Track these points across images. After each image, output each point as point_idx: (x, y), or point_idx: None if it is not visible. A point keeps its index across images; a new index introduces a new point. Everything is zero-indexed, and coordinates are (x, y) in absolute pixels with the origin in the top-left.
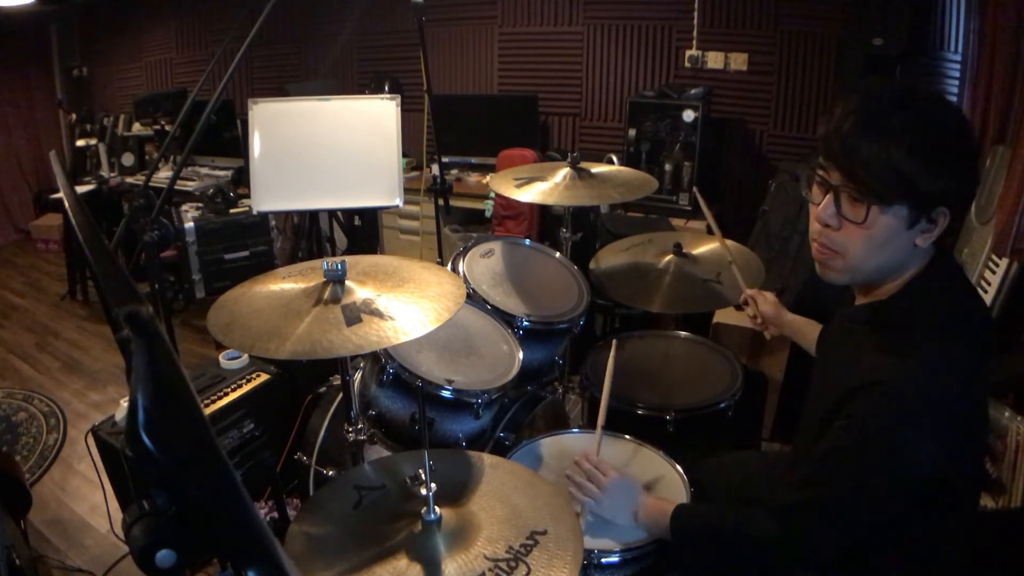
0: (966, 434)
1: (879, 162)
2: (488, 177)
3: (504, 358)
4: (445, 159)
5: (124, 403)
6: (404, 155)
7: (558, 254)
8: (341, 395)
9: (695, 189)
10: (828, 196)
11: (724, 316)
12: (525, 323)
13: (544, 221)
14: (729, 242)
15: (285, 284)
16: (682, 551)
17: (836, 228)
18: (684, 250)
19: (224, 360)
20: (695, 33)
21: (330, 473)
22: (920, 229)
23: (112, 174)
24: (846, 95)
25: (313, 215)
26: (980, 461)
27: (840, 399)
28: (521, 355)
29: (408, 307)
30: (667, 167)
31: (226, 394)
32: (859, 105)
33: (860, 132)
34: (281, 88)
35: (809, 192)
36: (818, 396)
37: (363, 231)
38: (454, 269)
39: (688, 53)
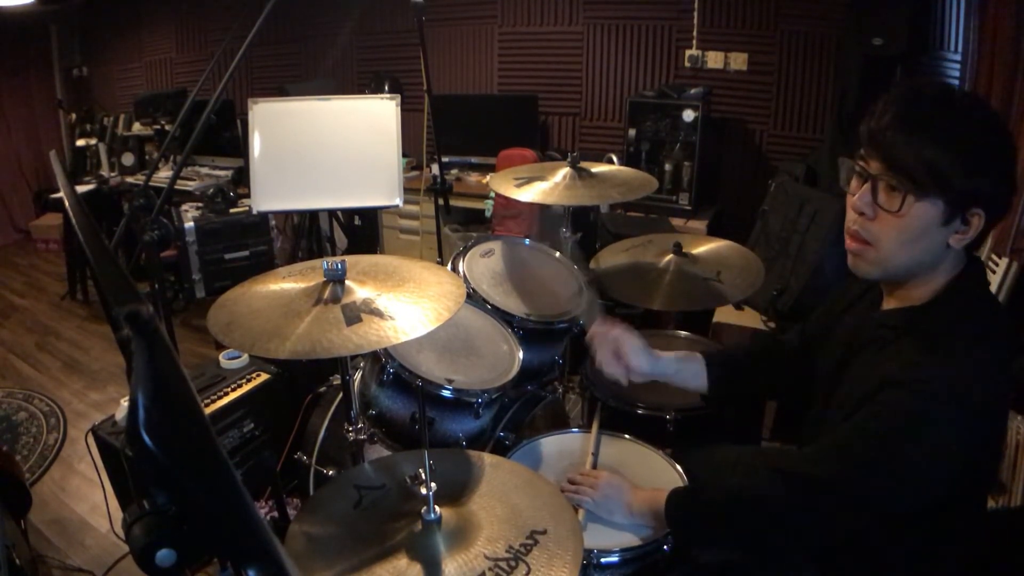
0: (989, 440)
1: (915, 153)
2: (488, 177)
3: (504, 358)
4: (445, 159)
5: (124, 403)
6: (404, 155)
7: (558, 254)
8: (341, 395)
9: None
10: (865, 185)
11: (724, 316)
12: (525, 323)
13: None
14: (723, 243)
15: (285, 284)
16: (680, 532)
17: (871, 217)
18: (684, 250)
19: (224, 360)
20: (695, 33)
21: (330, 473)
22: (954, 229)
23: (112, 174)
24: (889, 90)
25: (313, 215)
26: (996, 466)
27: (873, 388)
28: (521, 355)
29: (408, 307)
30: (667, 167)
31: (226, 394)
32: (900, 98)
33: (899, 124)
34: (281, 88)
35: (848, 184)
36: (840, 395)
37: (363, 231)
38: (454, 269)
39: (688, 53)
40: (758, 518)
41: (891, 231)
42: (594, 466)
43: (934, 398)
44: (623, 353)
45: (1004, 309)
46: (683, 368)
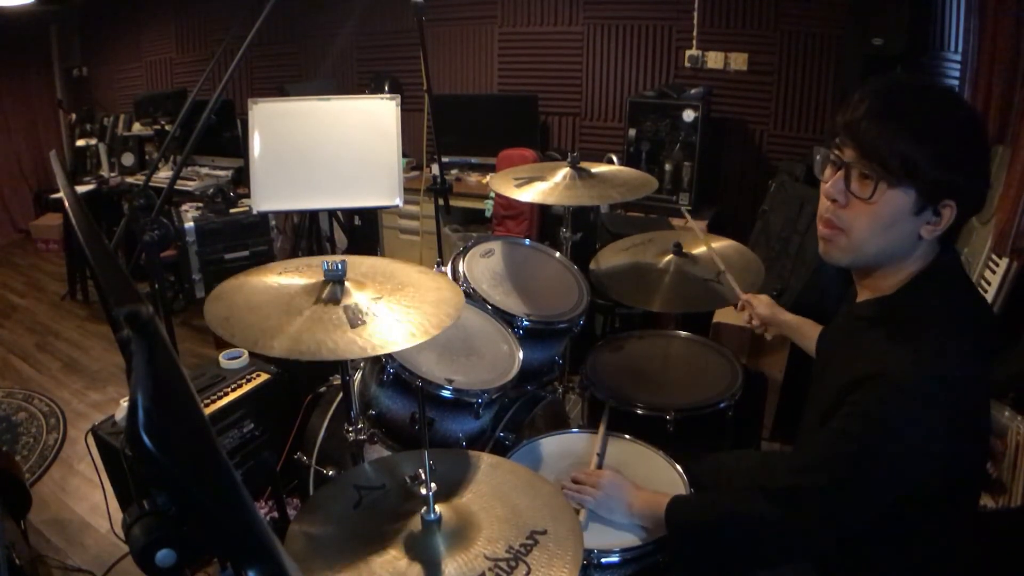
0: (968, 429)
1: (889, 142)
2: (488, 177)
3: (504, 358)
4: (445, 159)
5: (124, 403)
6: (404, 155)
7: (558, 254)
8: (341, 395)
9: (685, 211)
10: (839, 173)
11: (724, 316)
12: (525, 323)
13: (544, 221)
14: (725, 242)
15: (282, 279)
16: (678, 541)
17: (843, 205)
18: (684, 250)
19: (224, 360)
20: (695, 33)
21: (330, 473)
22: (925, 219)
23: (112, 174)
24: (866, 83)
25: (313, 215)
26: (982, 461)
27: (844, 388)
28: (521, 355)
29: (409, 312)
30: (667, 167)
31: (226, 394)
32: (876, 90)
33: (875, 114)
34: (281, 88)
35: (821, 172)
36: (820, 390)
37: (363, 231)
38: (454, 269)
39: (688, 53)
40: (755, 537)
41: (863, 218)
42: (599, 466)
43: (903, 391)
44: (753, 303)
45: (979, 295)
46: (803, 324)
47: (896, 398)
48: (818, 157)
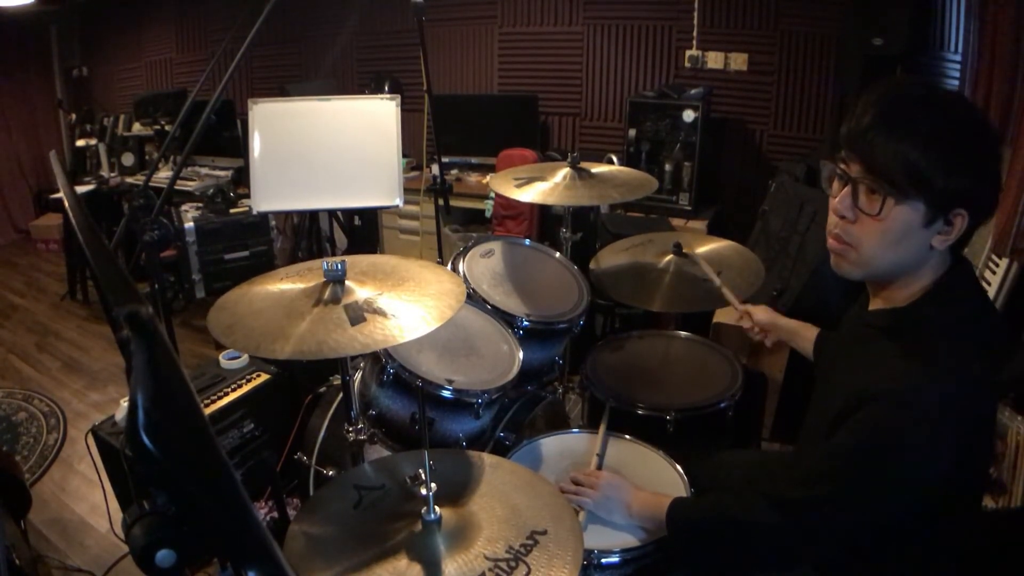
0: (976, 444)
1: (895, 155)
2: (488, 177)
3: (504, 358)
4: (445, 159)
5: (124, 403)
6: (404, 155)
7: (558, 254)
8: (341, 395)
9: (688, 251)
10: (846, 188)
11: (724, 316)
12: (525, 323)
13: (544, 221)
14: (724, 243)
15: (284, 285)
16: (678, 543)
17: (852, 220)
18: (684, 250)
19: (224, 360)
20: (695, 33)
21: (330, 473)
22: (937, 230)
23: (112, 174)
24: (870, 90)
25: (313, 215)
26: (986, 468)
27: (854, 402)
28: (521, 355)
29: (410, 306)
30: (667, 167)
31: (226, 394)
32: (880, 99)
33: (878, 125)
34: (281, 88)
35: (829, 186)
36: (827, 397)
37: (363, 231)
38: (454, 269)
39: (688, 53)
40: (755, 541)
41: (872, 234)
42: (599, 467)
43: (912, 410)
44: (752, 311)
45: (993, 308)
46: (800, 327)
47: (906, 417)
48: (825, 172)
